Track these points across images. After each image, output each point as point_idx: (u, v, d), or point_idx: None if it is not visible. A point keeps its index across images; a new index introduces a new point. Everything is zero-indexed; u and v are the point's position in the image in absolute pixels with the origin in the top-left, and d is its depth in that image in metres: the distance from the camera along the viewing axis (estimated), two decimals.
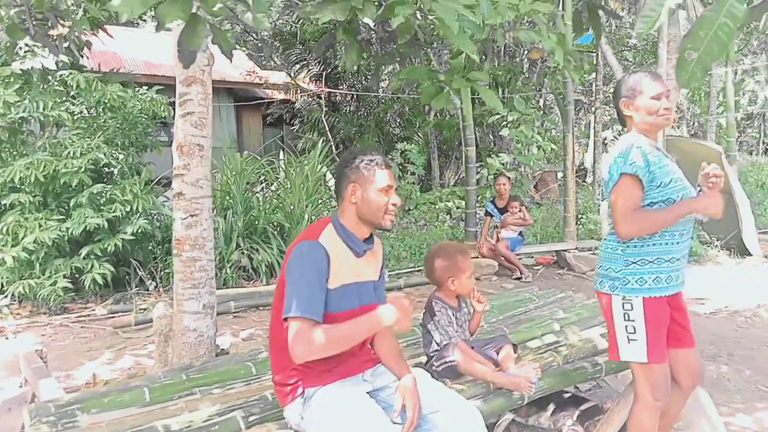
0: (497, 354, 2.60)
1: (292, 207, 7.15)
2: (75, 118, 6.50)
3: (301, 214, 7.06)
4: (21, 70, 6.24)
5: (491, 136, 13.16)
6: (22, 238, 5.47)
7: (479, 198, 9.61)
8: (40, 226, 5.58)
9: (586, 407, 3.11)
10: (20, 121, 6.04)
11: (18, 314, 5.62)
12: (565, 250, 7.36)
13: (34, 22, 3.00)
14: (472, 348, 2.59)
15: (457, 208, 10.29)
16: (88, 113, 6.94)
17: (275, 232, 6.89)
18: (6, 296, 5.49)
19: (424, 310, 2.67)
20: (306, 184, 7.38)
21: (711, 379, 3.90)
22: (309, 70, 16.06)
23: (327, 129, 14.44)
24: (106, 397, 2.31)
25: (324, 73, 15.68)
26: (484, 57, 4.02)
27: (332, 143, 15.70)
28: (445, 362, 2.46)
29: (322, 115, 15.22)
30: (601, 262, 2.41)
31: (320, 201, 8.24)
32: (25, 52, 6.41)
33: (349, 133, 15.29)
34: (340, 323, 1.99)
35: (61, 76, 6.48)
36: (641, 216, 2.24)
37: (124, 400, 2.31)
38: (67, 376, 4.17)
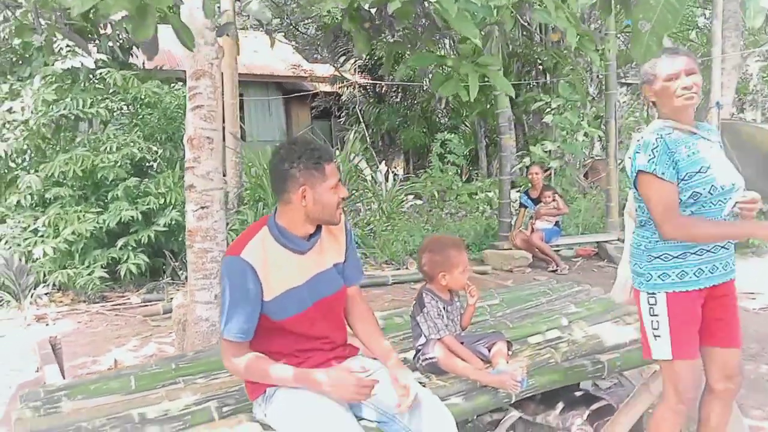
0: (489, 350, 2.52)
1: None
2: (114, 114, 6.71)
3: None
4: (62, 69, 6.47)
5: (529, 125, 12.85)
6: (63, 230, 5.71)
7: (522, 188, 9.41)
8: (79, 218, 5.81)
9: (598, 406, 2.98)
10: (62, 118, 6.27)
11: (61, 302, 5.87)
12: (606, 242, 7.12)
13: (66, 22, 3.09)
14: (462, 343, 2.52)
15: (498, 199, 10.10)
16: (128, 110, 7.16)
17: None
18: (47, 285, 5.73)
19: (414, 302, 2.61)
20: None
21: (748, 380, 3.68)
22: (354, 62, 16.09)
23: (363, 120, 14.42)
24: (94, 385, 2.36)
25: (369, 65, 15.68)
26: (493, 40, 3.89)
27: (376, 135, 15.83)
28: (427, 358, 2.41)
29: (365, 107, 15.26)
30: (631, 257, 2.32)
31: (355, 192, 8.26)
32: (66, 51, 6.65)
33: (393, 124, 15.26)
34: (269, 360, 1.97)
35: (100, 74, 6.71)
36: (691, 223, 2.12)
37: (110, 388, 2.35)
38: (93, 361, 4.32)
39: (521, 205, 7.16)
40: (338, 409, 1.93)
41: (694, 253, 2.14)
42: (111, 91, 6.79)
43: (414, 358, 2.55)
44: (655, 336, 2.20)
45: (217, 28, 3.68)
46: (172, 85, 7.31)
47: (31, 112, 5.95)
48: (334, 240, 2.15)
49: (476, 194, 10.29)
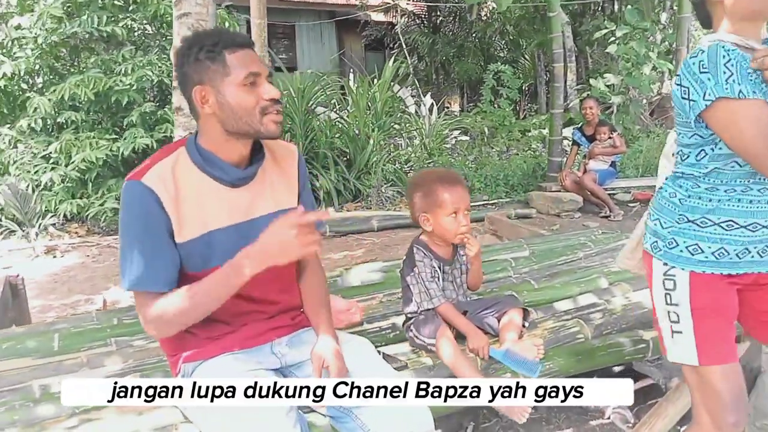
0: (499, 321, 1.96)
1: (357, 131, 6.59)
2: (130, 34, 6.23)
3: (366, 139, 6.50)
4: None
5: (594, 57, 11.74)
6: (75, 157, 5.38)
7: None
8: (92, 145, 5.45)
9: (642, 385, 2.41)
10: (74, 37, 5.84)
11: (75, 233, 5.60)
12: None
13: None
14: (465, 313, 1.96)
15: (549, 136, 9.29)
16: (151, 29, 6.68)
17: (338, 158, 6.42)
18: (57, 215, 5.45)
19: (404, 258, 2.05)
20: (374, 106, 6.76)
21: None
22: None
23: (417, 51, 13.58)
24: (6, 343, 1.95)
25: None
26: None
27: (430, 67, 14.98)
28: (423, 342, 1.87)
29: (418, 37, 14.40)
30: (652, 210, 1.65)
31: (395, 124, 7.63)
32: None
33: (447, 55, 14.34)
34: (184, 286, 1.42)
35: None
36: None
37: (26, 348, 1.94)
38: (87, 300, 4.01)
39: (574, 142, 6.38)
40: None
41: (743, 226, 1.48)
42: (130, 8, 6.30)
43: (403, 325, 2.02)
44: (673, 332, 1.56)
45: None
46: None
47: (40, 29, 5.53)
48: (282, 174, 1.59)
49: (529, 131, 9.47)
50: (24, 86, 5.79)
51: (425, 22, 15.31)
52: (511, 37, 14.45)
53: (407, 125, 7.98)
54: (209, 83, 1.39)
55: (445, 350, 1.78)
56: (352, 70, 11.54)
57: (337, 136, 6.64)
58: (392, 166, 6.63)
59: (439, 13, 15.00)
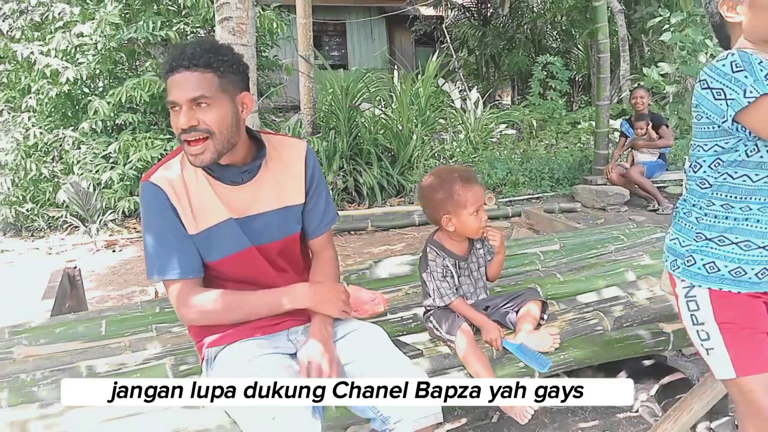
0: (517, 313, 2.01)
1: (400, 127, 6.68)
2: (183, 37, 6.49)
3: (410, 135, 6.58)
4: None
5: (651, 46, 11.40)
6: (132, 156, 5.67)
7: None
8: (147, 145, 5.73)
9: (671, 380, 2.42)
10: (132, 42, 6.14)
11: (133, 228, 5.90)
12: None
13: None
14: (487, 309, 2.02)
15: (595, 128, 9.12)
16: (202, 32, 6.94)
17: (382, 154, 6.52)
18: (116, 212, 5.75)
19: (420, 253, 2.12)
20: (417, 102, 6.83)
21: None
22: None
23: (467, 45, 13.50)
24: (59, 328, 2.13)
25: None
26: None
27: (480, 60, 14.89)
28: (442, 336, 1.93)
29: (468, 30, 14.32)
30: (672, 228, 1.67)
31: (441, 119, 7.67)
32: None
33: (497, 48, 14.21)
34: (232, 290, 1.58)
35: None
36: None
37: (75, 332, 2.11)
38: (141, 291, 4.24)
39: (622, 134, 6.27)
40: (292, 375, 1.53)
41: (762, 247, 1.48)
42: (183, 12, 6.56)
43: (424, 316, 2.10)
44: (707, 350, 1.57)
45: None
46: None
47: (99, 36, 5.84)
48: (287, 172, 1.68)
49: (579, 123, 9.32)
50: (86, 90, 6.12)
51: (475, 15, 15.20)
52: (563, 28, 14.19)
53: (452, 120, 8.00)
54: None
55: (460, 346, 1.85)
56: (398, 66, 11.63)
57: (381, 132, 6.74)
58: (435, 161, 6.68)
59: (488, 5, 14.86)
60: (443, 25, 15.37)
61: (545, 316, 2.04)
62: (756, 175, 1.46)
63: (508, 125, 8.63)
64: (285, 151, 1.69)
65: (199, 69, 1.46)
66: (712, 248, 1.52)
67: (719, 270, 1.52)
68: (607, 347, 1.96)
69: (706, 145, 1.51)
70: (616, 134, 7.20)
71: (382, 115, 6.98)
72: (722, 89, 1.41)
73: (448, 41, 12.53)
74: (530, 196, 6.35)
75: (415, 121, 6.78)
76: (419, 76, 7.43)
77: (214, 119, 1.46)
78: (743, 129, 1.42)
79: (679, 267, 1.59)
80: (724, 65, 1.41)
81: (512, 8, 14.60)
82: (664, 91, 8.42)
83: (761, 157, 1.45)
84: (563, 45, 14.49)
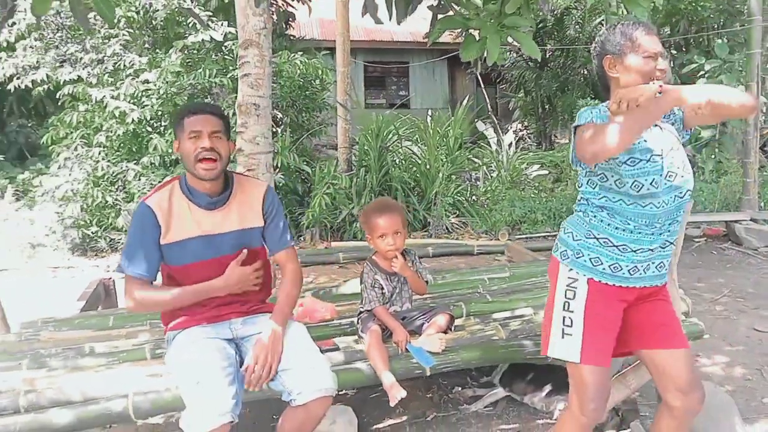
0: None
1: (428, 166, 7.18)
2: (235, 84, 7.29)
3: (436, 173, 7.07)
4: (192, 42, 7.17)
5: None
6: None
7: None
8: None
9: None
10: (191, 87, 6.98)
11: None
12: (736, 221, 6.26)
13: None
14: (404, 319, 2.50)
15: None
16: None
17: (409, 190, 7.03)
18: None
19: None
20: (446, 142, 7.33)
21: None
22: None
23: (523, 86, 13.88)
24: (78, 319, 2.75)
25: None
26: None
27: (536, 101, 15.23)
28: (361, 336, 2.42)
29: (525, 72, 14.73)
30: (568, 221, 2.04)
31: (471, 156, 8.11)
32: (198, 26, 7.34)
33: (551, 90, 14.55)
34: (169, 287, 2.16)
35: (227, 46, 7.33)
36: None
37: (89, 323, 2.74)
38: None
39: None
40: (219, 354, 2.07)
41: (633, 251, 1.88)
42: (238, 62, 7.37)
43: (356, 317, 2.58)
44: (564, 333, 1.93)
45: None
46: (295, 54, 7.73)
47: (162, 82, 6.71)
48: (247, 205, 2.25)
49: None
50: (149, 129, 6.98)
51: (532, 57, 15.58)
52: None
53: (485, 160, 8.43)
54: (177, 136, 2.14)
55: (367, 342, 2.34)
56: (449, 107, 12.16)
57: (411, 169, 7.26)
58: (458, 198, 7.12)
59: (547, 47, 15.23)
60: (501, 67, 15.86)
61: (452, 327, 2.49)
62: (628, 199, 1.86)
63: (542, 166, 8.95)
64: (247, 187, 2.29)
65: (215, 115, 2.16)
66: (597, 246, 1.89)
67: (602, 264, 1.89)
68: (491, 352, 2.39)
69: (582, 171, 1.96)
70: None
71: (412, 155, 7.51)
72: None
73: (478, 80, 12.96)
74: (548, 234, 6.66)
75: (443, 159, 7.26)
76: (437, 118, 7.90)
77: (222, 148, 2.13)
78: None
79: (568, 256, 1.95)
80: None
81: (568, 51, 14.92)
82: (700, 136, 8.54)
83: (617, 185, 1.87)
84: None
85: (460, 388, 3.08)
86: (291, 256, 2.37)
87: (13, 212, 8.21)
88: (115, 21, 7.31)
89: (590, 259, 1.91)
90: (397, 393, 2.18)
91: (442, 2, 3.74)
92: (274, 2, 9.85)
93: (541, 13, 14.05)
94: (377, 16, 3.33)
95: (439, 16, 3.63)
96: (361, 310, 2.53)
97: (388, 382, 2.23)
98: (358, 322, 2.53)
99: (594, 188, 1.94)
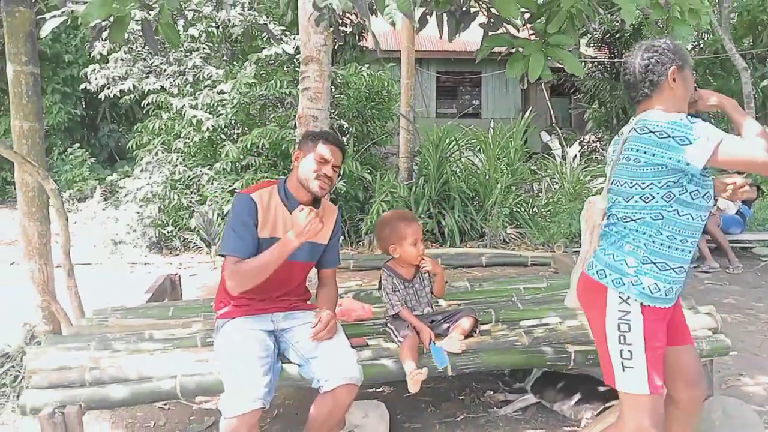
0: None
1: (487, 177, 7.28)
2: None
3: (495, 183, 7.15)
4: (266, 55, 7.57)
5: None
6: None
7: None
8: None
9: (615, 404, 2.85)
10: (262, 98, 7.39)
11: None
12: None
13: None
14: (432, 323, 2.65)
15: None
16: None
17: (467, 200, 7.15)
18: None
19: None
20: (506, 152, 7.40)
21: None
22: (591, 36, 15.32)
23: (597, 97, 13.66)
24: (142, 309, 3.07)
25: (606, 39, 14.80)
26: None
27: (610, 112, 14.94)
28: (396, 339, 2.57)
29: (599, 83, 14.50)
30: (609, 246, 1.96)
31: (536, 169, 8.12)
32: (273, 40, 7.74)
33: (625, 101, 14.24)
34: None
35: (298, 59, 7.68)
36: None
37: (150, 313, 3.04)
38: None
39: None
40: (259, 344, 2.31)
41: (685, 271, 1.96)
42: None
43: (384, 322, 2.76)
44: (624, 367, 1.88)
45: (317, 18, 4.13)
46: (362, 66, 8.01)
47: (236, 93, 7.13)
48: (325, 223, 2.45)
49: None
50: (222, 136, 7.43)
51: (607, 67, 15.33)
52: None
53: (547, 170, 8.42)
54: (302, 150, 2.44)
55: (404, 345, 2.50)
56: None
57: (471, 179, 7.37)
58: (517, 209, 7.17)
59: (622, 57, 14.93)
60: (575, 78, 15.66)
61: (477, 330, 2.63)
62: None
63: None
64: (327, 209, 2.60)
65: (342, 151, 2.49)
66: (654, 272, 1.87)
67: (660, 291, 1.88)
68: (510, 356, 2.52)
69: (659, 182, 1.86)
70: None
71: (472, 164, 7.63)
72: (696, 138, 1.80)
73: (540, 89, 12.83)
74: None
75: (503, 170, 7.34)
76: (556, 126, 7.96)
77: (335, 177, 2.48)
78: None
79: (624, 284, 1.88)
80: (674, 123, 1.83)
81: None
82: None
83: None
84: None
85: (492, 392, 3.19)
86: (334, 275, 2.68)
87: (101, 211, 8.92)
88: (196, 36, 7.84)
89: (648, 286, 1.89)
90: (416, 375, 2.33)
91: (492, 20, 3.90)
92: (348, 14, 10.22)
93: (593, 28, 13.82)
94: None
95: (490, 33, 3.79)
96: (389, 314, 2.69)
97: (408, 368, 2.40)
98: (387, 326, 2.69)
99: (669, 201, 1.87)
